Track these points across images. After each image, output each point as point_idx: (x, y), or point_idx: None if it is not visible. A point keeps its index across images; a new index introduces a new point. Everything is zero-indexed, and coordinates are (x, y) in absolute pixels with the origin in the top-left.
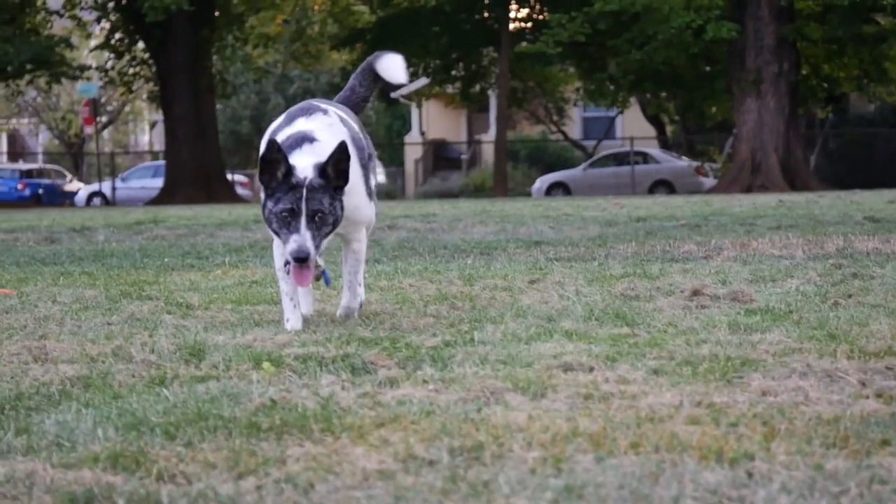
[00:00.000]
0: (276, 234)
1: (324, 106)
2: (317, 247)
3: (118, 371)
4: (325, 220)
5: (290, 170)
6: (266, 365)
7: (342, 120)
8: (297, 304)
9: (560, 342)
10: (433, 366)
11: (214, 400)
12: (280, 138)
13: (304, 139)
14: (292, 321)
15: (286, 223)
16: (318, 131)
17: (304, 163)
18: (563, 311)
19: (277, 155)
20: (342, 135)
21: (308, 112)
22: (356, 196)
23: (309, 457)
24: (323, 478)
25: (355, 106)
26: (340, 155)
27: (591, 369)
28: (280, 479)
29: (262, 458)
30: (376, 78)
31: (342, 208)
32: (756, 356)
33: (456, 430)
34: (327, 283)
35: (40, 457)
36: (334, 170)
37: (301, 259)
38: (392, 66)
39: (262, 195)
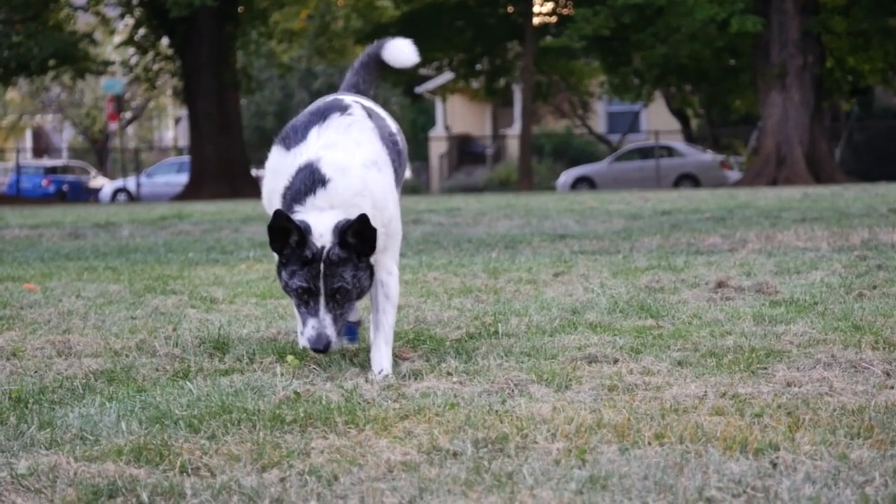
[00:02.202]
0: (295, 305)
1: (344, 101)
2: (339, 331)
3: (142, 365)
4: (349, 296)
5: (303, 239)
6: (290, 358)
7: (368, 113)
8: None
9: (584, 334)
10: (457, 358)
11: (238, 393)
12: (286, 177)
13: (314, 180)
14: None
15: (303, 301)
16: (331, 153)
17: (320, 226)
18: (588, 303)
19: (287, 224)
20: (366, 137)
21: (322, 116)
22: (388, 209)
23: (333, 449)
24: (347, 470)
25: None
26: (362, 226)
27: (616, 361)
28: (304, 472)
29: (286, 451)
30: (381, 68)
31: (370, 277)
32: (781, 347)
33: (480, 422)
34: (352, 338)
35: (64, 450)
36: (356, 237)
37: (320, 351)
38: (401, 51)
39: (278, 267)
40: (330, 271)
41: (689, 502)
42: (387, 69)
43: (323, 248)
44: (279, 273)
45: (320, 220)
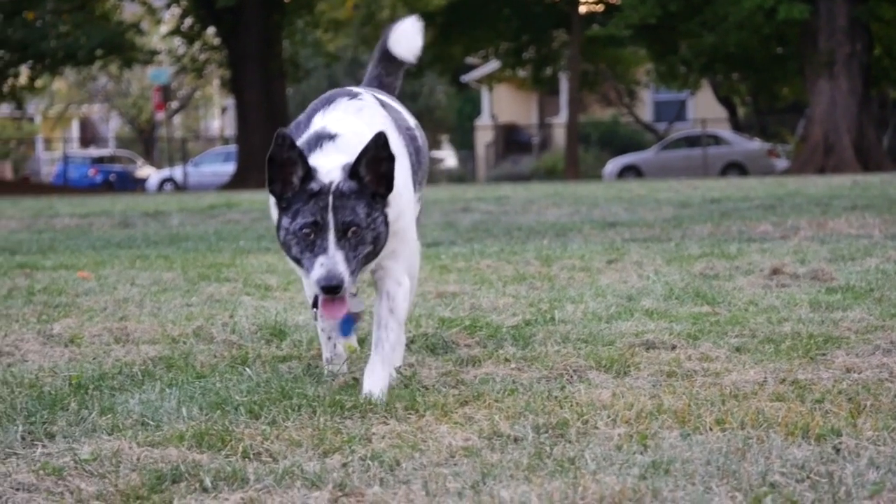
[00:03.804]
0: (298, 261)
1: (354, 90)
2: (352, 272)
3: (200, 351)
4: (363, 238)
5: (309, 172)
6: (347, 345)
7: (381, 103)
8: (336, 342)
9: (641, 321)
10: (514, 344)
11: (297, 379)
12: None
13: (319, 137)
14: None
15: (309, 243)
16: (338, 122)
17: (328, 165)
18: (643, 290)
19: (290, 153)
20: (378, 121)
21: (328, 101)
22: (396, 206)
23: (394, 434)
24: (409, 455)
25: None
26: (377, 150)
27: (674, 347)
28: (366, 457)
29: (346, 436)
30: (394, 59)
31: (386, 224)
32: (839, 333)
33: (540, 408)
34: (346, 331)
35: (126, 435)
36: (371, 171)
37: (332, 289)
38: (404, 36)
39: (274, 212)
40: (340, 203)
41: (753, 487)
42: (401, 65)
43: (332, 182)
44: (278, 226)
45: (328, 161)
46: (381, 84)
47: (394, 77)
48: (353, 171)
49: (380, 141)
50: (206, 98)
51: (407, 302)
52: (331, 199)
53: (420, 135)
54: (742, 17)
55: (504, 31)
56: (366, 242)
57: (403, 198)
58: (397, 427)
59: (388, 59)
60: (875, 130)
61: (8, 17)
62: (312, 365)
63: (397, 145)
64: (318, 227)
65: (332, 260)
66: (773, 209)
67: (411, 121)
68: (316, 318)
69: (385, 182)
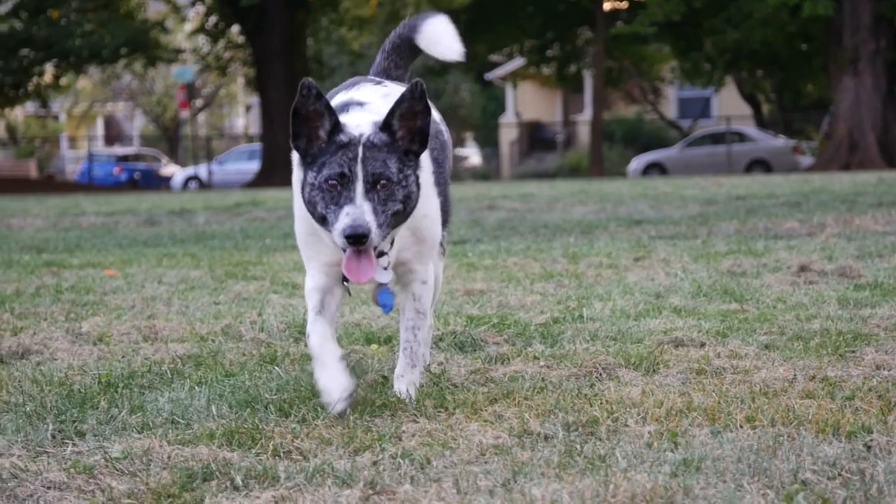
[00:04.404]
0: (322, 220)
1: (375, 78)
2: (380, 226)
3: (228, 349)
4: (393, 193)
5: (337, 125)
6: (374, 346)
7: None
8: (332, 367)
9: (669, 318)
10: (543, 342)
11: None
12: None
13: (347, 104)
14: (334, 398)
15: (335, 195)
16: (366, 95)
17: (357, 120)
18: (671, 287)
19: (316, 104)
20: None
21: (352, 84)
22: (426, 199)
23: (424, 432)
24: (439, 453)
25: None
26: (413, 102)
27: (703, 345)
28: (396, 455)
29: (377, 434)
30: (415, 53)
31: (418, 185)
32: (868, 330)
33: (570, 406)
34: (386, 307)
35: (156, 433)
36: (405, 125)
37: (359, 237)
38: (441, 38)
39: (298, 173)
40: (370, 154)
41: (784, 485)
42: (416, 56)
43: (362, 134)
44: (302, 184)
45: (357, 118)
46: (388, 77)
47: (403, 71)
48: (385, 123)
49: (416, 91)
50: (230, 96)
51: (432, 300)
52: (360, 150)
53: (445, 129)
54: (766, 14)
55: (528, 29)
56: (396, 199)
57: (429, 194)
58: (427, 425)
59: (405, 52)
60: None
61: (33, 16)
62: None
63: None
64: (346, 179)
65: (360, 209)
66: (798, 206)
67: (436, 114)
68: (312, 325)
69: (419, 138)
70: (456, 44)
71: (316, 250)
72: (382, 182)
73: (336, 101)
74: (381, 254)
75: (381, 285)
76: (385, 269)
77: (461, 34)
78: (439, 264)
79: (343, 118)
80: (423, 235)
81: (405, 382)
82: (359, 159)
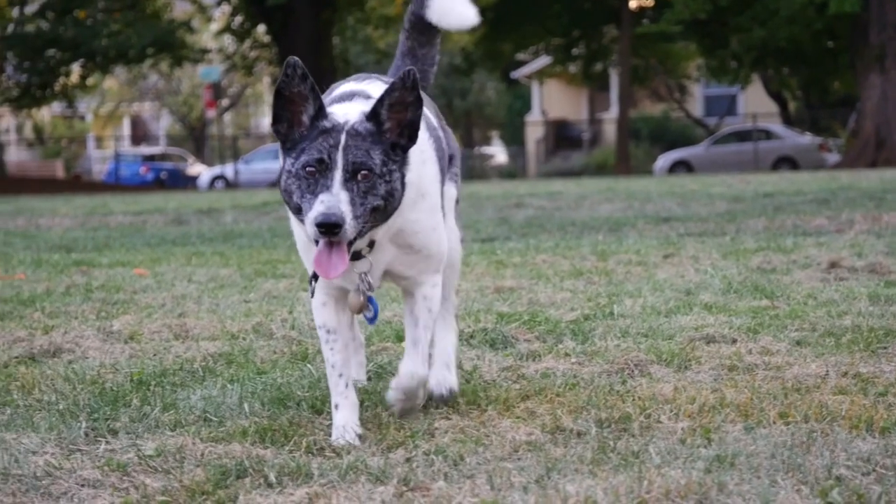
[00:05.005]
0: (297, 210)
1: (386, 78)
2: (356, 218)
3: (259, 347)
4: (374, 186)
5: (321, 110)
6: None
7: None
8: (348, 381)
9: (700, 315)
10: (574, 339)
11: None
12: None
13: (353, 94)
14: (343, 423)
15: (311, 184)
16: (375, 90)
17: (344, 108)
18: (701, 284)
19: (300, 87)
20: None
21: (363, 78)
22: (423, 207)
23: (457, 429)
24: (472, 450)
25: (424, 75)
26: (404, 92)
27: (734, 341)
28: (429, 452)
29: (409, 431)
30: (431, 31)
31: (403, 184)
32: None
33: (602, 402)
34: (371, 319)
35: (189, 431)
36: (393, 116)
37: (330, 226)
38: (452, 6)
39: (281, 160)
40: (353, 143)
41: (819, 480)
42: (437, 32)
43: (347, 121)
44: (280, 174)
45: (348, 107)
46: (414, 58)
47: (430, 48)
48: (373, 112)
49: (408, 80)
50: (256, 95)
51: (440, 299)
52: (343, 137)
53: (449, 138)
54: (793, 12)
55: (554, 27)
56: (377, 193)
57: (425, 198)
58: (460, 422)
59: (423, 29)
60: None
61: (59, 16)
62: (373, 361)
63: (427, 146)
64: (324, 166)
65: (335, 198)
66: (826, 203)
67: (437, 119)
68: (325, 342)
69: (408, 132)
70: (468, 10)
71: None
72: (363, 173)
73: (341, 89)
74: (357, 255)
75: (368, 290)
76: (366, 275)
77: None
78: (456, 235)
79: (336, 106)
80: (423, 246)
81: (412, 380)
82: (340, 146)
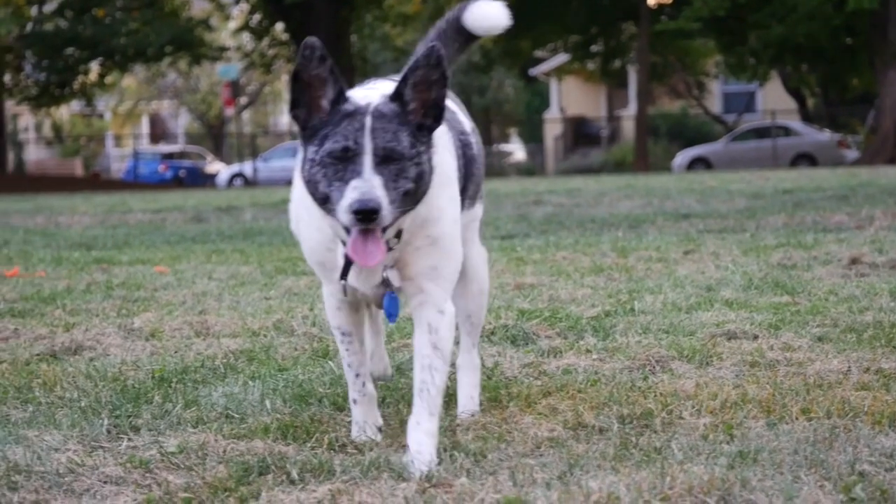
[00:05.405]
0: (324, 200)
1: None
2: (392, 203)
3: (280, 344)
4: (405, 170)
5: (342, 94)
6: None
7: None
8: (365, 380)
9: (721, 311)
10: (595, 335)
11: None
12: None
13: (376, 87)
14: (363, 419)
15: (338, 171)
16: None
17: (367, 93)
18: (722, 280)
19: (319, 69)
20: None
21: (379, 79)
22: (446, 195)
23: (479, 426)
24: (494, 446)
25: None
26: (428, 70)
27: (755, 337)
28: (452, 448)
29: None
30: (464, 38)
31: (431, 165)
32: None
33: (624, 398)
34: (392, 317)
35: (211, 428)
36: (418, 96)
37: (368, 212)
38: (490, 12)
39: (300, 153)
40: (380, 125)
41: (842, 476)
42: (470, 38)
43: (369, 103)
44: (302, 162)
45: (363, 92)
46: None
47: (450, 52)
48: (397, 92)
49: (431, 57)
50: (274, 93)
51: (452, 334)
52: (368, 119)
53: (476, 141)
54: (811, 8)
55: (573, 24)
56: (408, 177)
57: (441, 189)
58: (482, 418)
59: (451, 36)
60: None
61: (78, 15)
62: (394, 358)
63: (447, 146)
64: (351, 153)
65: (369, 183)
66: (846, 199)
67: (467, 124)
68: (341, 342)
69: (433, 111)
70: (503, 16)
71: (331, 262)
72: (395, 156)
73: (370, 85)
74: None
75: (388, 287)
76: (392, 268)
77: (505, 30)
78: (483, 256)
79: (356, 90)
80: (445, 245)
81: (422, 432)
82: (366, 130)
